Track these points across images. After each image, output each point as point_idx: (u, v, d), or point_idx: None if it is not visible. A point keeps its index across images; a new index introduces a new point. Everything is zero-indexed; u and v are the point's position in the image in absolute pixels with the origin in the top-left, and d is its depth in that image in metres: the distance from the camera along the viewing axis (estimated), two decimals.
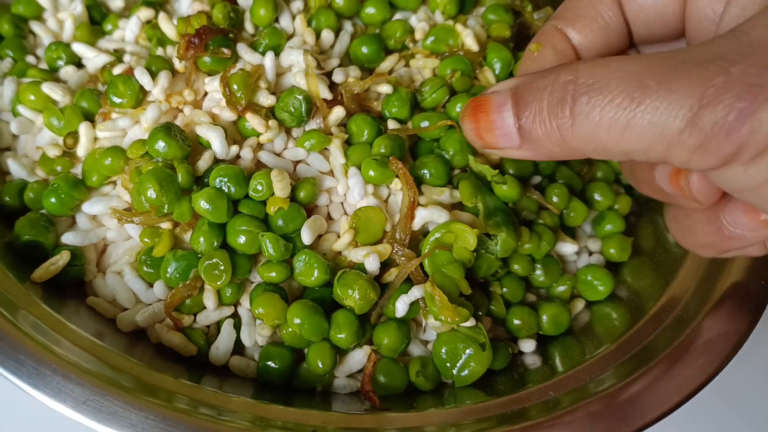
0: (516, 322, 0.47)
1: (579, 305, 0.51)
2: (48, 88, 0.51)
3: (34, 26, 0.59)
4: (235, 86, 0.47)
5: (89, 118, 0.51)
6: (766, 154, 0.25)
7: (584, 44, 0.37)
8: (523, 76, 0.31)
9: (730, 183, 0.27)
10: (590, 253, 0.53)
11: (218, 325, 0.46)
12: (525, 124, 0.30)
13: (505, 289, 0.48)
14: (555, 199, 0.50)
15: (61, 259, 0.46)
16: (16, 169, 0.50)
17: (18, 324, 0.40)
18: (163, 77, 0.49)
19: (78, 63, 0.56)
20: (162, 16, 0.52)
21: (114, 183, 0.49)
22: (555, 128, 0.29)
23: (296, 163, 0.49)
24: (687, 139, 0.25)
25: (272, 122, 0.48)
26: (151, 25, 0.56)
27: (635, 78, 0.26)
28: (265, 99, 0.48)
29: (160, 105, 0.49)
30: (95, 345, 0.41)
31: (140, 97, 0.49)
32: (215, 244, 0.45)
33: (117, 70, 0.51)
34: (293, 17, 0.53)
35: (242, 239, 0.44)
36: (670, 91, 0.25)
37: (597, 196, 0.53)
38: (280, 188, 0.44)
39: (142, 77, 0.49)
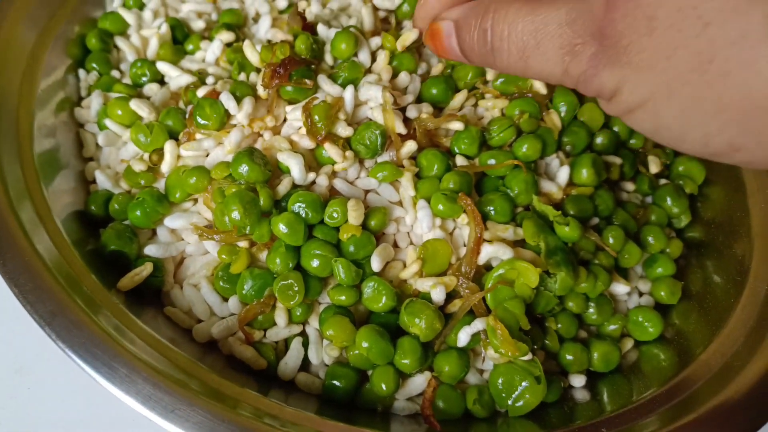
0: (568, 357, 0.49)
1: (628, 344, 0.53)
2: (135, 105, 0.54)
3: (119, 41, 0.63)
4: (316, 117, 0.50)
5: (173, 135, 0.54)
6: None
7: None
8: (462, 7, 0.43)
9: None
10: (640, 294, 0.55)
11: (286, 342, 0.49)
12: (464, 52, 0.43)
13: (559, 325, 0.50)
14: (611, 240, 0.52)
15: (145, 270, 0.49)
16: (102, 180, 0.53)
17: (109, 331, 0.42)
18: (248, 103, 0.52)
19: (160, 80, 0.59)
20: (247, 43, 0.55)
21: (195, 200, 0.52)
22: (483, 59, 0.41)
23: (367, 191, 0.51)
24: (566, 81, 0.37)
25: (349, 153, 0.50)
26: (232, 48, 0.59)
27: (521, 39, 0.37)
28: (343, 130, 0.51)
29: (243, 129, 0.52)
30: (178, 355, 0.44)
31: (224, 121, 0.52)
32: (290, 265, 0.47)
33: (200, 92, 0.54)
34: (371, 52, 0.56)
35: (316, 263, 0.47)
36: (545, 54, 0.36)
37: (650, 239, 0.55)
38: (355, 217, 0.47)
39: (228, 102, 0.52)
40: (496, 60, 0.40)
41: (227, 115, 0.53)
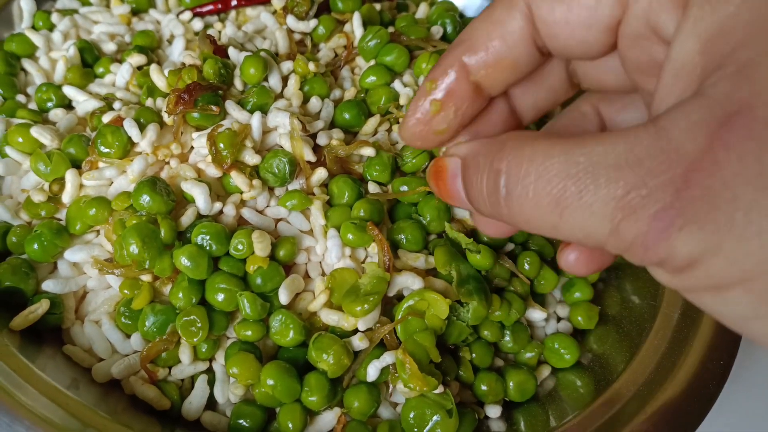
0: (483, 387, 0.49)
1: (545, 371, 0.52)
2: (37, 132, 0.52)
3: (26, 64, 0.60)
4: (221, 145, 0.48)
5: (76, 164, 0.51)
6: (688, 274, 0.25)
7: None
8: (473, 144, 0.31)
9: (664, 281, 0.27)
10: (558, 319, 0.55)
11: (192, 379, 0.47)
12: (471, 199, 0.31)
13: (474, 355, 0.49)
14: (527, 266, 0.52)
15: (40, 307, 0.46)
16: (0, 211, 0.51)
17: None
18: (152, 130, 0.50)
19: (68, 105, 0.57)
20: (153, 67, 0.54)
21: (97, 231, 0.50)
22: (495, 210, 0.29)
23: (277, 220, 0.50)
24: (614, 244, 0.26)
25: (256, 181, 0.49)
26: (142, 72, 0.57)
27: (556, 184, 0.26)
28: (251, 158, 0.49)
29: (147, 157, 0.50)
30: (72, 401, 0.41)
31: (128, 148, 0.50)
32: (194, 300, 0.46)
33: (106, 118, 0.52)
34: (282, 77, 0.55)
35: (221, 297, 0.45)
36: (590, 207, 0.25)
37: None
38: (261, 248, 0.46)
39: (131, 129, 0.50)
40: (513, 212, 0.28)
41: (131, 143, 0.51)
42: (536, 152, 0.27)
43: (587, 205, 0.25)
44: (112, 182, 0.50)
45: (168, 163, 0.51)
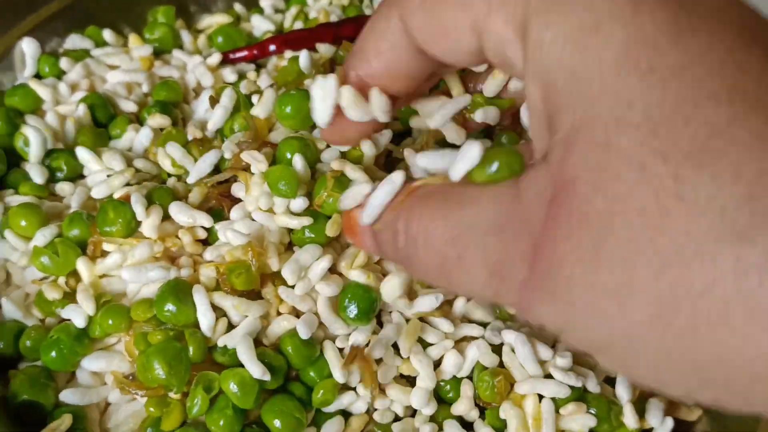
0: None
1: None
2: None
3: (30, 122, 0.54)
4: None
5: (83, 246, 0.46)
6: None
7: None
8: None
9: None
10: None
11: None
12: (382, 252, 0.33)
13: None
14: None
15: (63, 423, 0.42)
16: (10, 309, 0.46)
17: None
18: (156, 212, 0.45)
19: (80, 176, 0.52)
20: (161, 153, 0.49)
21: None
22: (402, 265, 0.32)
23: None
24: (503, 304, 0.35)
25: None
26: (164, 135, 0.51)
27: (439, 248, 0.27)
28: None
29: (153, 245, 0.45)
30: None
31: (132, 226, 0.45)
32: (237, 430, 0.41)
33: (117, 194, 0.47)
34: None
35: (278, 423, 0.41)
36: (469, 272, 0.27)
37: None
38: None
39: (136, 205, 0.44)
40: (413, 269, 0.31)
41: (135, 221, 0.45)
42: (423, 215, 0.28)
43: (467, 271, 0.27)
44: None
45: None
